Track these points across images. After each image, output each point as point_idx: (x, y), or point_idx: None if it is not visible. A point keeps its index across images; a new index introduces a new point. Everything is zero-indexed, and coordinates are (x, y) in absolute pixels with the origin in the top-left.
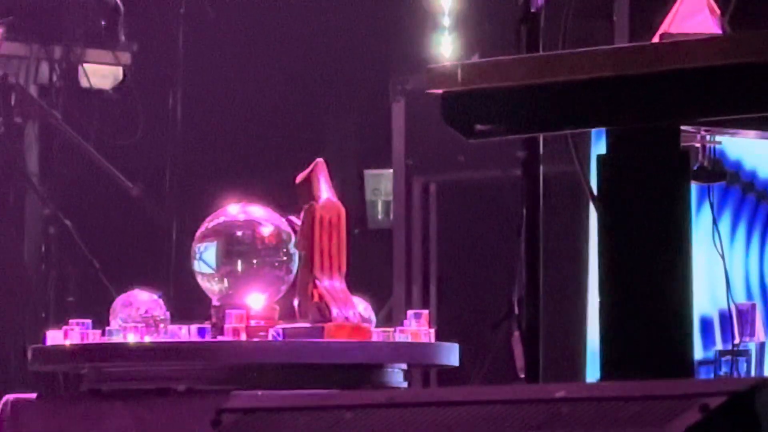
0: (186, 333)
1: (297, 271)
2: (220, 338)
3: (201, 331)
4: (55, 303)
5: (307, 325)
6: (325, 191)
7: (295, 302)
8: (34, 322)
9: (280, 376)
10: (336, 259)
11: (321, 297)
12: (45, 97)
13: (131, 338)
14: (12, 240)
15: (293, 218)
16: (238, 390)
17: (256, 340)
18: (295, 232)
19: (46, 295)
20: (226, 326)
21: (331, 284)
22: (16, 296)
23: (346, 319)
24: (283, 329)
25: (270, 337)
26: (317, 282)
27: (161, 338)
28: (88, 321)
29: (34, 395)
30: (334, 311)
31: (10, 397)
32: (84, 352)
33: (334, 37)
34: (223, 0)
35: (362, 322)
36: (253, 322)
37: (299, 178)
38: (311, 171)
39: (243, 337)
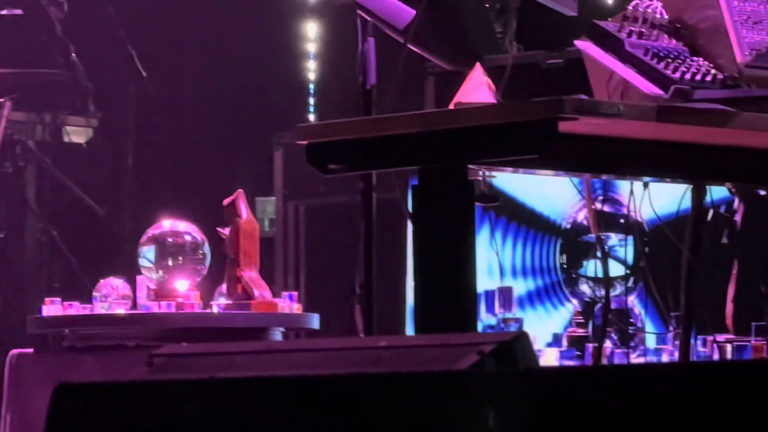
0: (158, 308)
1: (211, 265)
2: (181, 311)
3: (169, 305)
4: (46, 287)
5: (238, 302)
6: (245, 211)
7: (224, 288)
8: (32, 301)
9: (205, 335)
10: (253, 257)
11: (246, 283)
12: (39, 148)
13: (118, 311)
14: (17, 245)
15: (220, 229)
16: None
17: (207, 311)
18: (221, 239)
19: (40, 282)
20: (186, 302)
21: (250, 274)
22: (20, 283)
23: (264, 297)
24: (225, 304)
25: (214, 310)
26: (242, 273)
27: (138, 311)
28: (58, 299)
29: (31, 350)
30: (256, 293)
31: (14, 351)
32: (65, 320)
33: (234, 108)
34: (160, 82)
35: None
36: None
37: (226, 202)
38: (235, 198)
39: (197, 309)
